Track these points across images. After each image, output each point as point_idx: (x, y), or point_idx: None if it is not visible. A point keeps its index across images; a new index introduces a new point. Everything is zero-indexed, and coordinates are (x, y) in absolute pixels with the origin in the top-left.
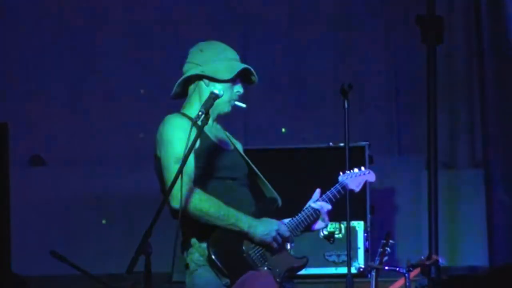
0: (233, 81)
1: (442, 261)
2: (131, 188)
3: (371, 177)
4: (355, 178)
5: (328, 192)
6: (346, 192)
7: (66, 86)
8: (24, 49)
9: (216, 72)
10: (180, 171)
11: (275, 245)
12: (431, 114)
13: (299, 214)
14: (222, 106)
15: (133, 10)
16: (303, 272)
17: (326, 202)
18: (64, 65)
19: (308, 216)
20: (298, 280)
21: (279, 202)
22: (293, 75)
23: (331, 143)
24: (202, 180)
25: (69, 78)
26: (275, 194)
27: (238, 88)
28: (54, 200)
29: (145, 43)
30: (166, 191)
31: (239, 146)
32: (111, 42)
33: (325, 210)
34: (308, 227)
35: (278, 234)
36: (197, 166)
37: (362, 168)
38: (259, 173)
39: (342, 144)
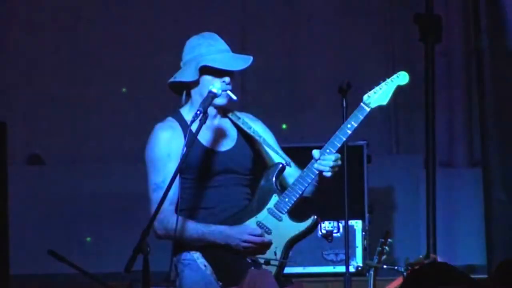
0: (217, 73)
1: (440, 259)
2: (129, 187)
3: (402, 79)
4: (380, 91)
5: (342, 126)
6: (365, 113)
7: (65, 85)
8: (22, 48)
9: (185, 75)
10: (169, 187)
11: (256, 247)
12: (429, 113)
13: (296, 179)
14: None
15: (132, 8)
16: (301, 271)
17: (334, 145)
18: (63, 65)
19: (304, 178)
20: (296, 279)
21: (285, 163)
22: (292, 74)
23: None
24: (191, 189)
25: (68, 78)
26: (281, 158)
27: (224, 78)
28: (52, 199)
29: (144, 41)
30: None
31: (258, 127)
32: (111, 43)
33: (330, 164)
34: (311, 185)
35: (249, 235)
36: (186, 178)
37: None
38: (264, 143)
39: None
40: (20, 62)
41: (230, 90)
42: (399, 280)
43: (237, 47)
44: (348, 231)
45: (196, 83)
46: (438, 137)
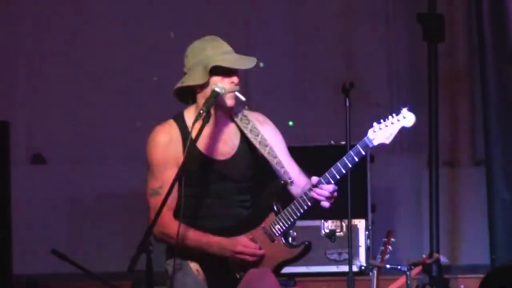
0: (225, 73)
1: (443, 259)
2: (132, 187)
3: (408, 121)
4: (385, 129)
5: (344, 157)
6: (368, 149)
7: (67, 85)
8: (25, 48)
9: (193, 79)
10: (172, 187)
11: (249, 258)
12: (432, 112)
13: (293, 203)
14: (220, 101)
15: (134, 9)
16: (304, 270)
17: (333, 175)
18: (65, 65)
19: (301, 204)
20: (299, 279)
21: (288, 181)
22: (295, 73)
23: (332, 142)
24: (189, 196)
25: (70, 78)
26: (282, 175)
27: (232, 79)
28: (55, 198)
29: (146, 41)
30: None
31: (267, 131)
32: (113, 42)
33: (326, 195)
34: (307, 211)
35: (243, 246)
36: (184, 185)
37: (394, 115)
38: (270, 155)
39: (343, 143)
40: (22, 62)
41: (238, 91)
42: (402, 280)
43: (240, 48)
44: (351, 231)
45: (203, 86)
46: (441, 136)
